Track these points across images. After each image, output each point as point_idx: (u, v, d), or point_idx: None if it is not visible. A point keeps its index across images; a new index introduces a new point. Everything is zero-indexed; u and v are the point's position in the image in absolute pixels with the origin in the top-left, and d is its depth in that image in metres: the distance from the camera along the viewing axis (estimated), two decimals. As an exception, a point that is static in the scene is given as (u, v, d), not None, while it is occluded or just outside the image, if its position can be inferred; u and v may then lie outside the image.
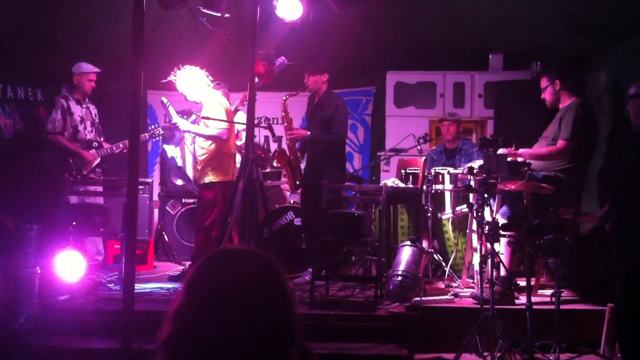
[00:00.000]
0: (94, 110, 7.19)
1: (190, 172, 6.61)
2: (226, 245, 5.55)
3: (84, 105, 7.06)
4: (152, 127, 6.86)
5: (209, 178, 6.11)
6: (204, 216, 6.21)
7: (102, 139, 7.13)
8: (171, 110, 6.27)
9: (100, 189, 6.81)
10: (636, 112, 4.59)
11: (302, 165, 6.58)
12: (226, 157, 6.20)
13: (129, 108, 3.65)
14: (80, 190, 6.74)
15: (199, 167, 6.21)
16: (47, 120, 7.06)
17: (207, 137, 6.11)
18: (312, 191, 6.23)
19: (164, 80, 5.97)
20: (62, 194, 6.24)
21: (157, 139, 7.32)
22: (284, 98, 6.50)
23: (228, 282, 1.59)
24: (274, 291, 1.62)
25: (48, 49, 7.06)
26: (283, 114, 6.51)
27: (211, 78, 6.22)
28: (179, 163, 7.40)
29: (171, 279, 6.34)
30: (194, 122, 6.25)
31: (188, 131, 6.17)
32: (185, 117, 6.59)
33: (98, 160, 6.98)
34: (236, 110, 7.11)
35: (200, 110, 6.23)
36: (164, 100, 6.31)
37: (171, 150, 7.35)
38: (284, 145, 6.81)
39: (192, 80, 6.08)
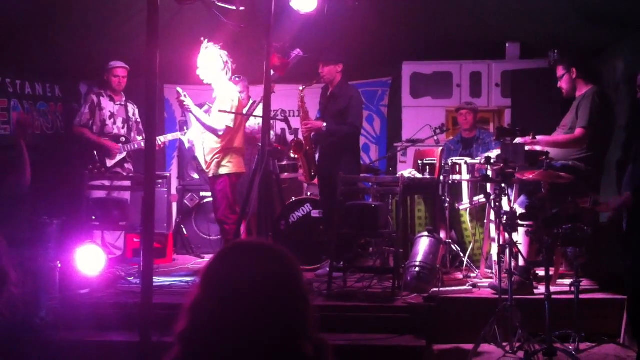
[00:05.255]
0: (132, 108, 7.27)
1: (203, 164, 6.60)
2: (243, 238, 5.58)
3: (118, 102, 7.15)
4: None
5: (216, 171, 6.12)
6: (215, 209, 6.24)
7: (141, 138, 7.13)
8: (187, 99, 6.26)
9: (127, 183, 6.85)
10: None
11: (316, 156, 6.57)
12: (234, 151, 6.19)
13: (145, 102, 3.67)
14: (105, 185, 6.77)
15: (207, 159, 6.21)
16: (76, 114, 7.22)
17: (205, 126, 6.07)
18: (328, 183, 6.23)
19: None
20: (82, 188, 6.28)
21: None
22: (301, 89, 6.50)
23: (242, 275, 1.60)
24: (287, 284, 1.62)
25: (66, 44, 7.09)
26: (300, 104, 6.51)
27: (234, 66, 6.18)
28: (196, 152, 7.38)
29: None
30: (206, 112, 6.24)
31: (190, 111, 6.14)
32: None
33: (124, 155, 7.03)
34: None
35: (213, 102, 6.22)
36: (179, 90, 6.32)
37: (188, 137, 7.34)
38: (300, 137, 6.80)
39: (209, 61, 6.07)
